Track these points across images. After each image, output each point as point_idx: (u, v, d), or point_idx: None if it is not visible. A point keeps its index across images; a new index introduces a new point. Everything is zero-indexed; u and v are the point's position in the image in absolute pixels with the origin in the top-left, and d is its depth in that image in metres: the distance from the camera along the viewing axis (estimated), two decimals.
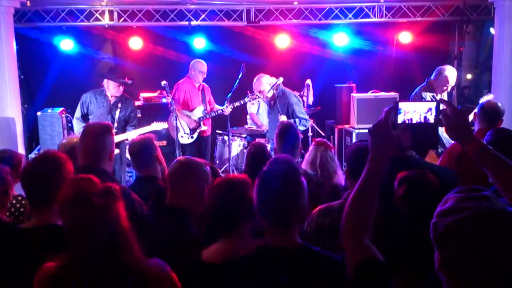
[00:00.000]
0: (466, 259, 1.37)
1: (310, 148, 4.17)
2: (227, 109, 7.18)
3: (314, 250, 2.11)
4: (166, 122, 6.72)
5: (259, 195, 2.13)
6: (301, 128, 6.58)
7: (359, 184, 1.85)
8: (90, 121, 6.41)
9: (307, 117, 6.76)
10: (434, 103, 2.00)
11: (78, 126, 6.47)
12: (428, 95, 6.06)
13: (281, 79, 6.73)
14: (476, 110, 4.57)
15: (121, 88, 6.50)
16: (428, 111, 1.99)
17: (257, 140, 7.67)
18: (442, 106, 2.02)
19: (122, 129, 6.46)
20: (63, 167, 2.65)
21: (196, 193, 2.86)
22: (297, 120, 6.56)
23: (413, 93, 6.22)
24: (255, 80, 6.78)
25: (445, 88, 6.09)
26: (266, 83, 6.68)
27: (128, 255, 2.01)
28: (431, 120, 1.99)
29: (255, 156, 3.79)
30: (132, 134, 6.37)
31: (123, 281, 1.99)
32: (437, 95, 6.11)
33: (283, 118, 6.46)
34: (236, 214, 2.43)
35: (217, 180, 2.61)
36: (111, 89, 6.45)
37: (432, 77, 6.13)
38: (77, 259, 1.99)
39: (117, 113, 6.42)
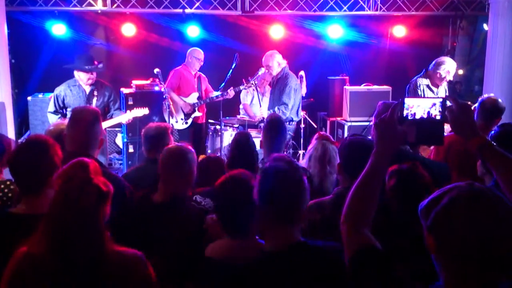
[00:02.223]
0: (445, 222, 1.46)
1: (314, 142, 4.14)
2: (231, 92, 7.15)
3: (316, 246, 2.07)
4: (147, 108, 6.60)
5: (262, 193, 2.07)
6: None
7: (363, 176, 1.87)
8: (67, 114, 6.18)
9: (288, 105, 6.52)
10: (440, 99, 2.03)
11: (54, 119, 6.16)
12: (423, 81, 6.07)
13: (285, 61, 6.71)
14: (476, 104, 4.56)
15: (93, 74, 6.20)
16: (432, 106, 2.02)
17: (249, 130, 7.67)
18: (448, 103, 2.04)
19: (102, 117, 6.19)
20: (51, 153, 2.59)
21: (188, 178, 2.91)
22: (276, 108, 6.42)
23: (411, 82, 6.22)
24: (267, 53, 6.72)
25: (442, 79, 6.05)
26: (276, 61, 6.64)
27: (103, 246, 2.01)
28: (434, 114, 2.02)
29: (239, 144, 3.78)
30: (120, 120, 6.25)
31: (96, 270, 1.99)
32: (435, 85, 6.10)
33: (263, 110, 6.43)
34: (244, 213, 2.36)
35: (223, 177, 2.52)
36: (83, 78, 6.17)
37: (430, 68, 6.11)
38: (57, 247, 1.96)
39: (94, 102, 6.18)
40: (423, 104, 2.03)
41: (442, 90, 6.22)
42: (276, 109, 6.42)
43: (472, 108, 4.59)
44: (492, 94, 6.38)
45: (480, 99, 4.61)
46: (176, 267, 2.51)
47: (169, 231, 2.70)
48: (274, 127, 3.93)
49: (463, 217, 1.43)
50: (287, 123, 6.25)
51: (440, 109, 2.02)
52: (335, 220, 2.57)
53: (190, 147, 3.02)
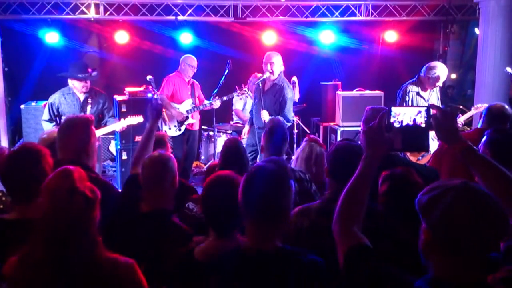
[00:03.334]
0: (448, 220, 1.55)
1: (303, 144, 4.16)
2: (216, 102, 7.18)
3: (295, 253, 2.09)
4: (142, 116, 6.57)
5: (246, 191, 2.10)
6: None
7: (353, 180, 2.00)
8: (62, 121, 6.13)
9: (290, 117, 6.59)
10: (425, 107, 2.15)
11: (48, 127, 6.14)
12: (413, 88, 6.05)
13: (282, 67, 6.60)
14: (473, 111, 4.55)
15: (88, 82, 6.19)
16: (417, 114, 2.14)
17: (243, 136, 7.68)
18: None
19: (97, 125, 5.99)
20: (43, 161, 2.62)
21: (172, 184, 2.90)
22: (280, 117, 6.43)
23: (401, 87, 6.21)
24: (269, 52, 6.61)
25: (433, 83, 6.03)
26: (279, 61, 6.52)
27: (95, 251, 2.04)
28: (419, 121, 2.13)
29: (230, 150, 3.79)
30: (114, 127, 6.24)
31: (89, 276, 2.01)
32: (426, 91, 6.10)
33: (264, 113, 6.39)
34: (234, 214, 2.32)
35: (210, 177, 2.52)
36: (77, 86, 6.15)
37: (422, 73, 6.10)
38: (48, 254, 1.99)
39: (88, 110, 6.16)
40: (409, 112, 2.14)
41: (434, 96, 6.20)
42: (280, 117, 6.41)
43: (473, 113, 4.58)
44: (482, 105, 6.47)
45: (487, 105, 4.58)
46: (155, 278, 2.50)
47: (152, 243, 2.70)
48: (275, 132, 3.93)
49: (468, 217, 1.53)
50: None
51: (426, 117, 2.12)
52: (322, 226, 2.59)
53: (169, 154, 3.03)
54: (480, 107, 6.49)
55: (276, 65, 6.47)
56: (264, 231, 2.08)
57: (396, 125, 2.12)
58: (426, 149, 2.21)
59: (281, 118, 6.30)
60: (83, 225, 2.02)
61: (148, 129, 3.62)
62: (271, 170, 2.09)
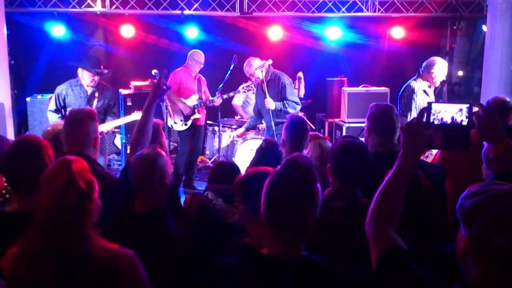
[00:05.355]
0: (494, 231, 1.47)
1: (309, 145, 4.12)
2: (218, 99, 7.19)
3: (321, 263, 1.96)
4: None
5: (268, 198, 1.96)
6: (291, 111, 6.50)
7: (389, 178, 1.90)
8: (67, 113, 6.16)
9: (297, 100, 6.64)
10: (466, 105, 2.09)
11: (54, 117, 6.15)
12: (421, 86, 5.83)
13: (270, 60, 6.61)
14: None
15: (96, 78, 6.18)
16: (458, 111, 2.08)
17: (246, 132, 7.68)
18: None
19: (102, 120, 6.12)
20: (42, 152, 2.62)
21: (163, 183, 2.71)
22: (286, 103, 6.44)
23: (404, 86, 6.05)
24: (245, 64, 6.69)
25: (434, 81, 5.88)
26: (257, 65, 6.61)
27: (91, 244, 2.03)
28: (459, 120, 2.07)
29: (265, 152, 3.70)
30: (111, 125, 6.27)
31: (85, 269, 2.00)
32: (431, 87, 5.95)
33: (270, 101, 6.40)
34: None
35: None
36: (86, 78, 6.14)
37: (422, 70, 5.94)
38: (43, 245, 1.98)
39: (95, 103, 6.16)
40: (450, 110, 2.09)
41: (431, 91, 6.05)
42: (285, 103, 6.44)
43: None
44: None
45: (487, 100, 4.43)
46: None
47: (144, 244, 2.49)
48: (295, 126, 3.87)
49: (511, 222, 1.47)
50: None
51: (467, 115, 2.07)
52: (325, 223, 2.55)
53: (159, 151, 2.79)
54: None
55: (257, 72, 6.59)
56: (288, 240, 1.95)
57: (436, 122, 2.07)
58: (466, 147, 2.15)
59: (291, 105, 6.37)
60: (78, 216, 2.01)
61: (145, 108, 3.42)
62: (296, 177, 1.93)
